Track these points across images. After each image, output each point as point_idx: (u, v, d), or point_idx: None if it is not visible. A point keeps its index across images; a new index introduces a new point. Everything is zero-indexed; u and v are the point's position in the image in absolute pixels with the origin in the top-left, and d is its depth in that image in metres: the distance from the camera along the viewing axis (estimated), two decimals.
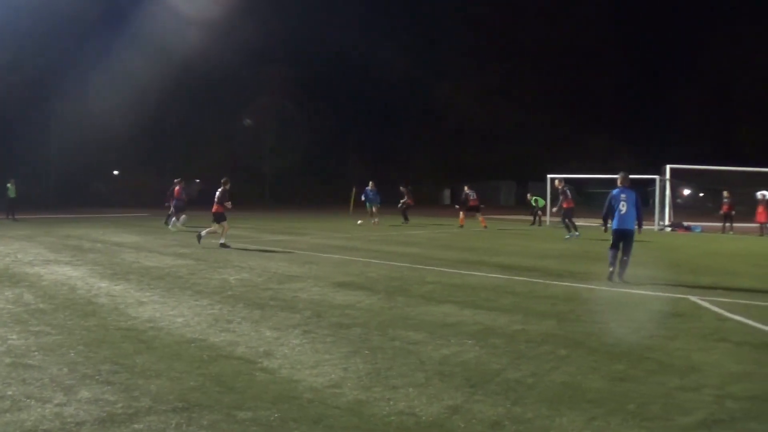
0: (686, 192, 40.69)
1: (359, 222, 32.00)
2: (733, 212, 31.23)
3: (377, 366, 6.80)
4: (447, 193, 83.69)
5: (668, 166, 34.73)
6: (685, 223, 33.14)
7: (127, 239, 22.39)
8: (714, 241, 26.53)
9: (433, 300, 10.85)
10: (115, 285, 12.09)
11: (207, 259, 16.44)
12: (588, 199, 41.96)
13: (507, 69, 74.90)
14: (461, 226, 30.94)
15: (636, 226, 13.67)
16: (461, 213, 31.87)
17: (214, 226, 19.94)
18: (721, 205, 32.02)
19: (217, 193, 19.71)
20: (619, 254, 13.43)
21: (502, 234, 28.10)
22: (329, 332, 8.30)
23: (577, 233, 26.04)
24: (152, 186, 60.82)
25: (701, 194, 43.97)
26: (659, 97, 75.63)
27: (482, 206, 32.70)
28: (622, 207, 13.41)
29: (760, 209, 29.66)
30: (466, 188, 32.26)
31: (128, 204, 52.90)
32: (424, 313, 9.66)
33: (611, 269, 13.45)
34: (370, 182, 33.67)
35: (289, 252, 18.65)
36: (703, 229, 32.26)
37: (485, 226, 30.50)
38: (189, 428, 5.03)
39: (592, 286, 12.70)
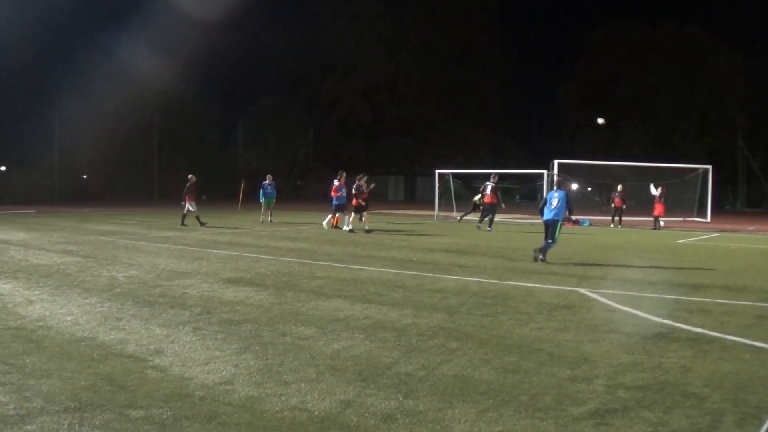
0: (574, 186, 41.98)
1: (262, 220, 29.78)
2: (624, 206, 32.10)
3: (268, 362, 6.86)
4: None
5: (556, 161, 35.75)
6: (574, 217, 34.05)
7: (14, 236, 21.64)
8: (603, 234, 27.53)
9: (323, 295, 10.98)
10: (4, 283, 11.77)
11: (95, 257, 16.14)
12: (475, 194, 42.74)
13: (393, 65, 75.46)
14: (334, 226, 26.76)
15: (562, 218, 16.31)
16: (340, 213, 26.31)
17: (352, 216, 23.88)
18: (612, 198, 32.84)
19: (353, 189, 24.32)
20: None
21: (391, 229, 28.42)
22: (219, 329, 8.35)
23: (490, 229, 26.81)
24: (40, 182, 58.91)
25: (589, 188, 45.41)
26: (546, 93, 77.85)
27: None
28: (554, 202, 16.02)
29: (657, 203, 30.71)
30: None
31: (15, 201, 50.92)
32: (314, 308, 9.78)
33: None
34: (268, 176, 31.17)
35: (177, 248, 18.51)
36: (592, 223, 33.10)
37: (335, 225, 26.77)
38: (82, 428, 5.03)
39: (482, 280, 13.01)
